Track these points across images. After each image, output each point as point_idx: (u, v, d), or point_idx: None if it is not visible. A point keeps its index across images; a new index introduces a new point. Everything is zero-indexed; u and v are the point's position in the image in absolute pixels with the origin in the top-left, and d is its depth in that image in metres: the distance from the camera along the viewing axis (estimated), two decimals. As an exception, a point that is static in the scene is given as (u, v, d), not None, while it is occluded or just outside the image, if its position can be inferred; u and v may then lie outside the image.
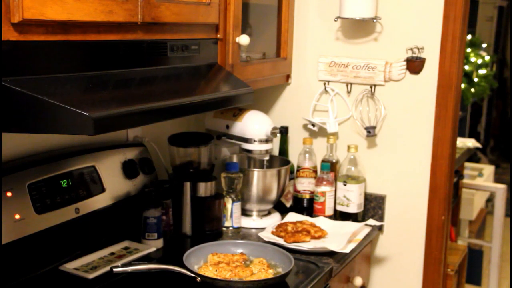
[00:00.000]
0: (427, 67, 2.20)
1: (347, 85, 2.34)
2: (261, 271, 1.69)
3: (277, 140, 2.36)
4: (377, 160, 2.32)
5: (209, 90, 1.79)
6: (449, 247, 2.86)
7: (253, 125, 2.15)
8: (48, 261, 1.66)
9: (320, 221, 2.17)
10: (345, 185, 2.25)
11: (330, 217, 2.25)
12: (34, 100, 1.18)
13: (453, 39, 2.15)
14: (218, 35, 1.86)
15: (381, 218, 2.31)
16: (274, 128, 2.14)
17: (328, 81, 2.36)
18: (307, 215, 2.27)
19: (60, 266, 1.67)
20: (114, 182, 1.87)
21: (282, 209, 2.31)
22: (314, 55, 2.37)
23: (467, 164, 4.35)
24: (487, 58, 5.65)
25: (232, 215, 2.10)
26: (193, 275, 1.63)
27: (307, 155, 2.33)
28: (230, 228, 2.11)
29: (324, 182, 2.26)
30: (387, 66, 2.25)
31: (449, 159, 2.22)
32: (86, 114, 1.17)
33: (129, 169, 1.93)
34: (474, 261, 3.95)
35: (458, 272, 3.20)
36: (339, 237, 2.01)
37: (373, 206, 2.32)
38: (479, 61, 5.45)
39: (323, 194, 2.25)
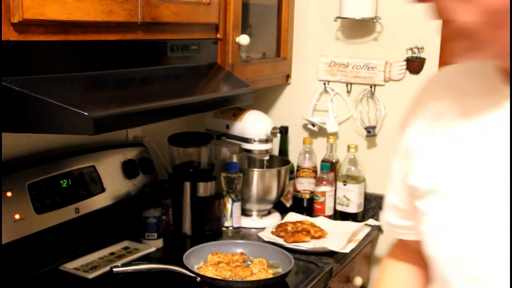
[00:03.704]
0: (427, 67, 2.20)
1: (347, 85, 2.34)
2: (261, 271, 1.69)
3: (277, 140, 2.36)
4: (377, 160, 2.32)
5: (209, 90, 1.79)
6: (449, 247, 2.86)
7: (253, 125, 2.15)
8: (48, 261, 1.66)
9: (320, 221, 2.18)
10: (345, 185, 2.25)
11: (330, 217, 2.25)
12: (34, 100, 1.18)
13: (453, 39, 2.14)
14: (218, 35, 1.86)
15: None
16: (274, 128, 2.14)
17: (328, 81, 2.36)
18: (307, 215, 2.27)
19: (60, 266, 1.67)
20: (114, 182, 1.87)
21: (282, 209, 2.31)
22: (314, 55, 2.37)
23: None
24: (487, 58, 5.65)
25: (232, 215, 2.11)
26: (193, 275, 1.63)
27: (307, 155, 2.33)
28: (230, 228, 2.11)
29: (324, 182, 2.26)
30: (387, 66, 2.25)
31: (449, 159, 2.22)
32: (86, 114, 1.17)
33: (129, 169, 1.93)
34: (474, 261, 3.95)
35: (458, 272, 3.19)
36: (339, 237, 2.01)
37: (373, 206, 2.32)
38: (479, 61, 5.45)
39: (323, 194, 2.25)
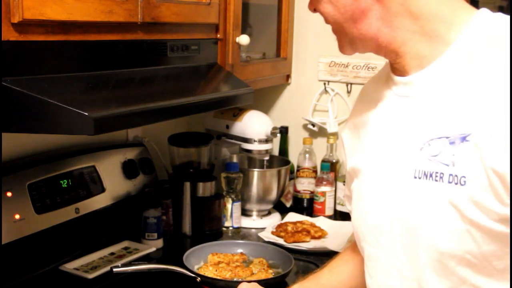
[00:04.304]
0: (427, 67, 2.20)
1: (347, 85, 2.34)
2: (261, 271, 1.69)
3: (277, 140, 2.36)
4: (377, 160, 2.31)
5: (209, 90, 1.79)
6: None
7: (253, 125, 2.15)
8: (48, 261, 1.66)
9: (320, 221, 2.17)
10: (345, 185, 2.25)
11: (330, 217, 2.25)
12: (34, 100, 1.18)
13: (453, 39, 2.15)
14: (218, 35, 1.86)
15: (381, 218, 2.31)
16: (274, 128, 2.14)
17: (328, 81, 2.36)
18: (307, 215, 2.27)
19: (60, 266, 1.67)
20: (114, 182, 1.87)
21: (282, 209, 2.31)
22: (314, 55, 2.37)
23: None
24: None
25: (232, 215, 2.11)
26: (193, 275, 1.63)
27: (307, 155, 2.33)
28: (230, 228, 2.11)
29: (324, 182, 2.26)
30: (387, 66, 2.25)
31: (449, 159, 2.22)
32: (86, 114, 1.17)
33: (129, 169, 1.93)
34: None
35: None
36: (339, 237, 2.01)
37: (373, 206, 2.32)
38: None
39: (323, 194, 2.25)
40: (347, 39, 1.03)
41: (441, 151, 0.92)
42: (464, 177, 0.88)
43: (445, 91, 0.95)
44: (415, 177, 0.95)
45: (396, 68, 1.03)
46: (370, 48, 1.03)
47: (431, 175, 0.92)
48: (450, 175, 0.90)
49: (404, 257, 0.99)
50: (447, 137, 0.91)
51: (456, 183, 0.89)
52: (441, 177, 0.91)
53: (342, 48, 1.06)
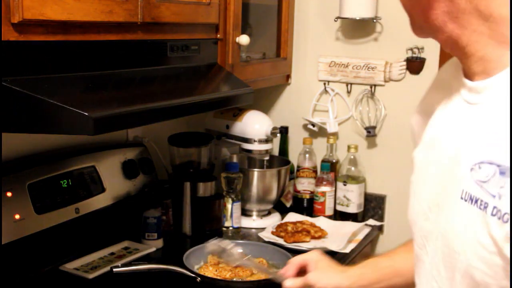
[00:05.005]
0: (427, 67, 2.20)
1: (347, 85, 2.34)
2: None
3: (277, 140, 2.36)
4: (377, 160, 2.32)
5: (209, 90, 1.79)
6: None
7: (253, 125, 2.15)
8: (48, 261, 1.66)
9: (320, 221, 2.17)
10: (345, 185, 2.25)
11: (330, 217, 2.25)
12: (34, 100, 1.18)
13: (453, 39, 2.14)
14: (218, 35, 1.86)
15: (381, 218, 2.31)
16: (274, 128, 2.14)
17: (328, 81, 2.36)
18: (307, 215, 2.27)
19: (60, 266, 1.67)
20: (114, 182, 1.87)
21: (282, 209, 2.31)
22: (314, 55, 2.37)
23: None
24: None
25: (232, 215, 2.10)
26: (193, 275, 1.63)
27: (307, 155, 2.33)
28: (230, 228, 2.11)
29: (324, 182, 2.26)
30: (387, 66, 2.25)
31: (449, 159, 2.22)
32: (86, 114, 1.17)
33: (129, 169, 1.93)
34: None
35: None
36: (339, 237, 2.01)
37: (373, 206, 2.32)
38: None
39: (323, 194, 2.25)
40: (417, 24, 0.99)
41: (490, 178, 0.83)
42: (507, 213, 0.80)
43: (508, 108, 0.84)
44: (461, 198, 0.88)
45: (464, 68, 0.96)
46: (438, 39, 0.97)
47: (476, 201, 0.85)
48: (494, 207, 0.82)
49: (443, 272, 0.94)
50: (498, 165, 0.82)
51: (499, 218, 0.81)
52: (485, 207, 0.83)
53: (413, 30, 1.01)
